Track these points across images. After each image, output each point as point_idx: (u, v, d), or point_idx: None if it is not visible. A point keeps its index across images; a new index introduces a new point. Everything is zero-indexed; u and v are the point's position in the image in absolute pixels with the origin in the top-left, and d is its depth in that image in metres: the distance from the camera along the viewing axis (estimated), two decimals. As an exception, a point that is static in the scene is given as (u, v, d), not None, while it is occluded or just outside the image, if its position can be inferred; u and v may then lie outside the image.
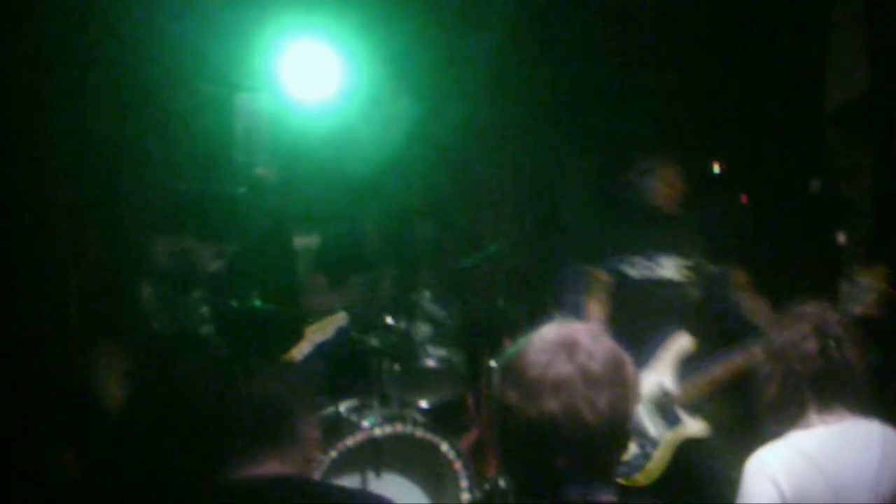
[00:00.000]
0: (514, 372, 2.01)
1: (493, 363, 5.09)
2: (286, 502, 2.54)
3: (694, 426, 4.26)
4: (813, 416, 2.68)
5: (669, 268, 4.42)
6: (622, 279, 4.47)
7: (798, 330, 2.73)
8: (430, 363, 4.89)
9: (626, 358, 2.05)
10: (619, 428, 1.98)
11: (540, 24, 5.99)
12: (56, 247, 4.59)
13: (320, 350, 4.32)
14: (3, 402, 4.10)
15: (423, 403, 4.90)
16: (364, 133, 5.64)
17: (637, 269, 4.44)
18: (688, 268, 4.42)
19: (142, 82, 5.16)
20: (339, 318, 4.37)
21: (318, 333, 4.31)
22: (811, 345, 2.69)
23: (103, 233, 4.73)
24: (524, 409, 1.96)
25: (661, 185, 4.45)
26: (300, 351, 4.22)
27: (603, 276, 4.51)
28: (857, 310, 3.63)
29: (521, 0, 5.98)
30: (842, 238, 5.00)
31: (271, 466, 2.58)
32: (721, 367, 4.11)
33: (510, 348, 2.11)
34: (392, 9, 5.69)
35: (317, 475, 4.35)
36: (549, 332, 2.06)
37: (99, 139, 4.90)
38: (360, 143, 5.63)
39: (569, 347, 1.99)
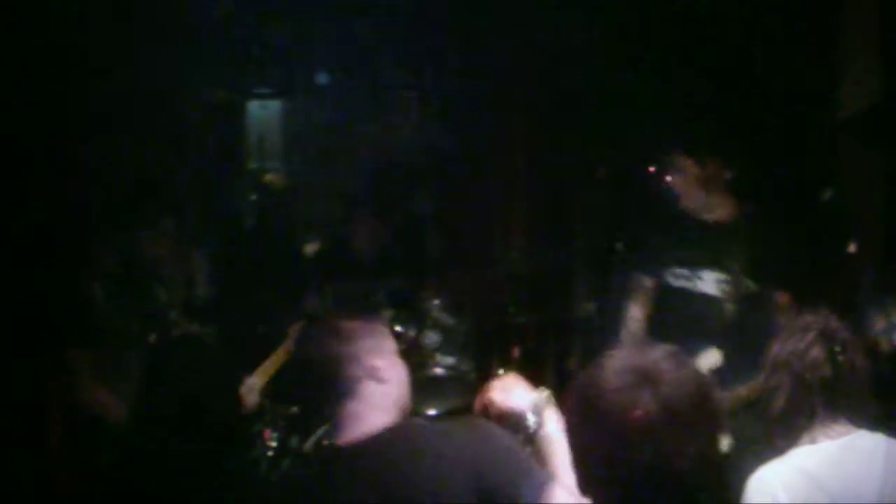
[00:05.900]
0: (595, 409, 1.87)
1: (501, 371, 5.09)
2: None
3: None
4: (818, 430, 2.65)
5: (709, 282, 4.35)
6: (663, 287, 4.41)
7: (803, 338, 2.70)
8: (439, 371, 4.88)
9: (709, 382, 1.93)
10: (710, 467, 1.86)
11: (551, 31, 5.98)
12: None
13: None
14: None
15: (431, 411, 4.88)
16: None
17: (679, 279, 4.38)
18: (727, 283, 4.35)
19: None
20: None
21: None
22: (818, 352, 2.66)
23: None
24: (611, 453, 1.84)
25: (679, 179, 4.35)
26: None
27: (647, 281, 4.46)
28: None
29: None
30: (852, 247, 4.95)
31: None
32: (747, 386, 4.08)
33: (583, 374, 1.94)
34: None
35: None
36: (627, 359, 1.90)
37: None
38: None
39: (651, 380, 1.84)
